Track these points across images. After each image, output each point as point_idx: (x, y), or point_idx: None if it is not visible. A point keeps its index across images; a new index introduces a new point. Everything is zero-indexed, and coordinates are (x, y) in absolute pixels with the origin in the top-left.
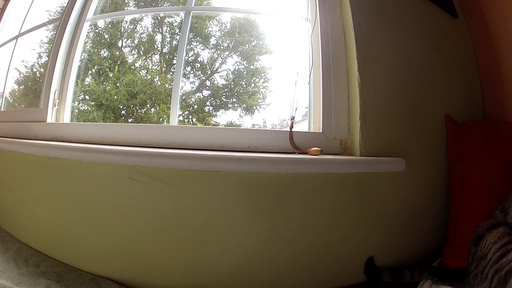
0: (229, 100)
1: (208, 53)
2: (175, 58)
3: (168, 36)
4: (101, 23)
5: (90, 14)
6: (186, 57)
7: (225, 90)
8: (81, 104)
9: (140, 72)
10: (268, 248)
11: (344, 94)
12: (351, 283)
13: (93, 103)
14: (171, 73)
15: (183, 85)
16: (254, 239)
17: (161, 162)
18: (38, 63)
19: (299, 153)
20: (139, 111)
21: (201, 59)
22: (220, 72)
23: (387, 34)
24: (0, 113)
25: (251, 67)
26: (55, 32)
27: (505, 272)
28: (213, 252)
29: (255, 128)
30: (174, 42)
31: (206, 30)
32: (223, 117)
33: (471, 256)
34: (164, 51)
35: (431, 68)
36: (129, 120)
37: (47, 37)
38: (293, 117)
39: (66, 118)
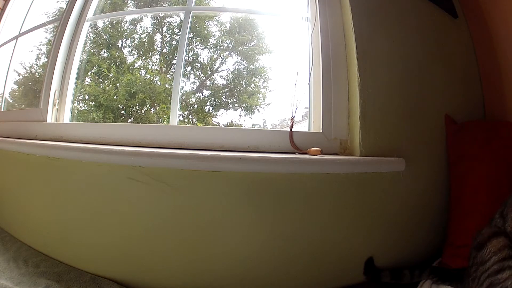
0: (229, 100)
1: (208, 53)
2: (175, 58)
3: (168, 36)
4: (100, 23)
5: (90, 14)
6: (186, 57)
7: (225, 90)
8: (80, 104)
9: (140, 72)
10: (268, 248)
11: (344, 94)
12: (351, 283)
13: (93, 103)
14: (171, 73)
15: (183, 85)
16: (254, 239)
17: (161, 162)
18: (37, 64)
19: (299, 153)
20: (138, 111)
21: (201, 59)
22: (220, 72)
23: (387, 34)
24: (0, 113)
25: (251, 67)
26: (54, 32)
27: None
28: (213, 252)
29: (255, 128)
30: (174, 42)
31: (206, 30)
32: (223, 117)
33: (471, 259)
34: (164, 51)
35: (431, 68)
36: (129, 120)
37: (46, 38)
38: (293, 117)
39: (66, 118)
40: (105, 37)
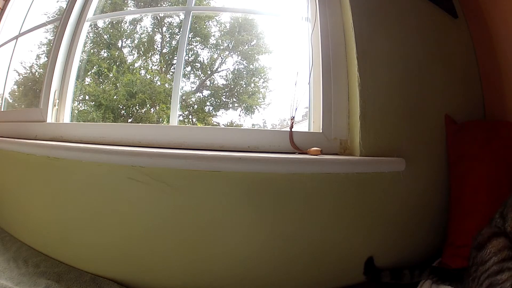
0: (229, 100)
1: (208, 53)
2: (175, 58)
3: (168, 36)
4: (100, 23)
5: (90, 14)
6: (186, 57)
7: (225, 90)
8: (80, 104)
9: (140, 72)
10: (268, 248)
11: (344, 94)
12: (351, 283)
13: (93, 103)
14: (171, 73)
15: (183, 85)
16: (255, 239)
17: (161, 162)
18: (37, 64)
19: (299, 153)
20: (138, 111)
21: (201, 59)
22: (220, 72)
23: (387, 34)
24: (0, 113)
25: (251, 67)
26: (54, 32)
27: None
28: (213, 252)
29: (255, 128)
30: (174, 42)
31: (206, 30)
32: (223, 117)
33: (471, 259)
34: (164, 51)
35: (431, 68)
36: (129, 120)
37: (46, 38)
38: (293, 117)
39: (66, 118)
40: (105, 37)
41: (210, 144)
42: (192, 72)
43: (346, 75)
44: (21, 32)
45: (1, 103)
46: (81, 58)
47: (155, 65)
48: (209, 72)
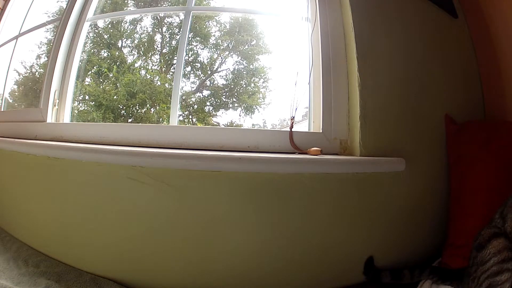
0: (229, 100)
1: (208, 53)
2: (175, 58)
3: (168, 36)
4: (100, 23)
5: (90, 14)
6: (186, 57)
7: (225, 90)
8: (80, 104)
9: (140, 72)
10: (268, 248)
11: (344, 94)
12: (351, 283)
13: (93, 103)
14: (171, 73)
15: (183, 85)
16: (255, 239)
17: (162, 162)
18: (37, 64)
19: (299, 153)
20: (139, 111)
21: (201, 59)
22: (220, 72)
23: (387, 34)
24: (0, 113)
25: (251, 67)
26: (55, 32)
27: None
28: (214, 252)
29: (255, 128)
30: (174, 42)
31: (206, 30)
32: (223, 117)
33: (472, 259)
34: (164, 51)
35: (431, 68)
36: (129, 120)
37: (46, 38)
38: (293, 117)
39: (66, 118)
40: (105, 37)
41: (210, 144)
42: (192, 72)
43: (346, 75)
44: (21, 32)
45: (1, 103)
46: (81, 58)
47: (155, 65)
48: (209, 72)
